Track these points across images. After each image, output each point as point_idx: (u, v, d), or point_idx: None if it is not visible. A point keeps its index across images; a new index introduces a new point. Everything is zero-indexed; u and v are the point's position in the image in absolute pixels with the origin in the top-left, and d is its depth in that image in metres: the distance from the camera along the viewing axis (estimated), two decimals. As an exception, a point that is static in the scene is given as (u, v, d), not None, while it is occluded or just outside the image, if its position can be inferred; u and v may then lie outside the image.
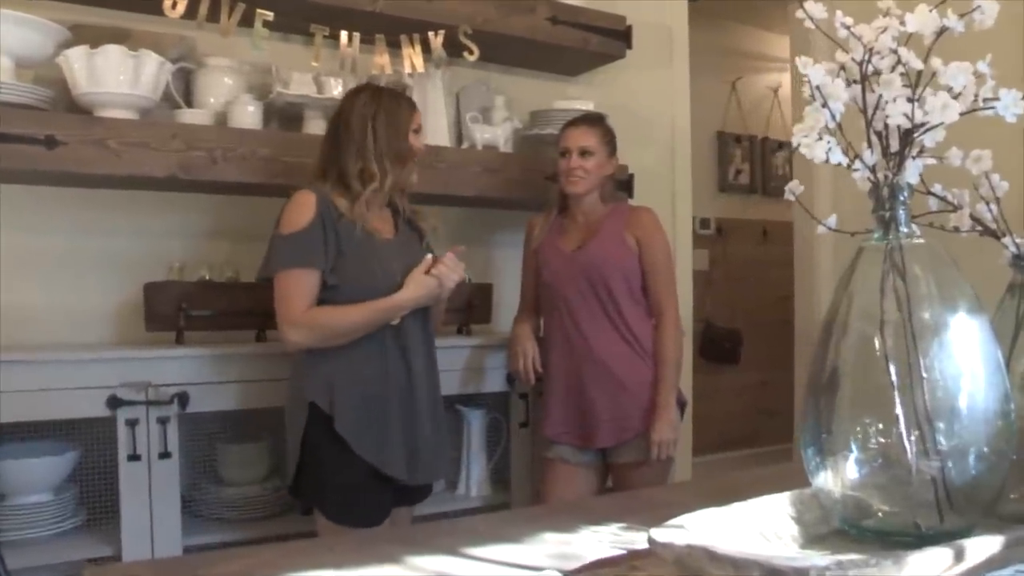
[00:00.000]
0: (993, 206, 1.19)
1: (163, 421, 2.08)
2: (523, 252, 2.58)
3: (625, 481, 2.37)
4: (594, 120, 2.46)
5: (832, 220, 1.19)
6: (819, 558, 0.80)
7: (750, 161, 5.28)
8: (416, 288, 2.01)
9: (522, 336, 2.47)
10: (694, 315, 3.74)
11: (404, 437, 2.02)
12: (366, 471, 1.97)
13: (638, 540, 1.12)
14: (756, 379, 5.09)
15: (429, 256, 2.05)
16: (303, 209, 1.97)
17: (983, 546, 0.87)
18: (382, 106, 2.06)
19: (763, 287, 5.07)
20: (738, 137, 5.22)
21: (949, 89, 1.01)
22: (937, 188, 1.21)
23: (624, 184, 2.90)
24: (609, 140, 2.44)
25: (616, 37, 2.97)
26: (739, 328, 5.01)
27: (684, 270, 3.46)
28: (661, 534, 0.91)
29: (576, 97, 2.94)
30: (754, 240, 5.21)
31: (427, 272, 2.03)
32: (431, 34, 2.58)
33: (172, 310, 2.26)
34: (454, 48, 2.62)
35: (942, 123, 1.02)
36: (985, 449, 1.02)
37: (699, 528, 0.95)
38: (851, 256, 1.12)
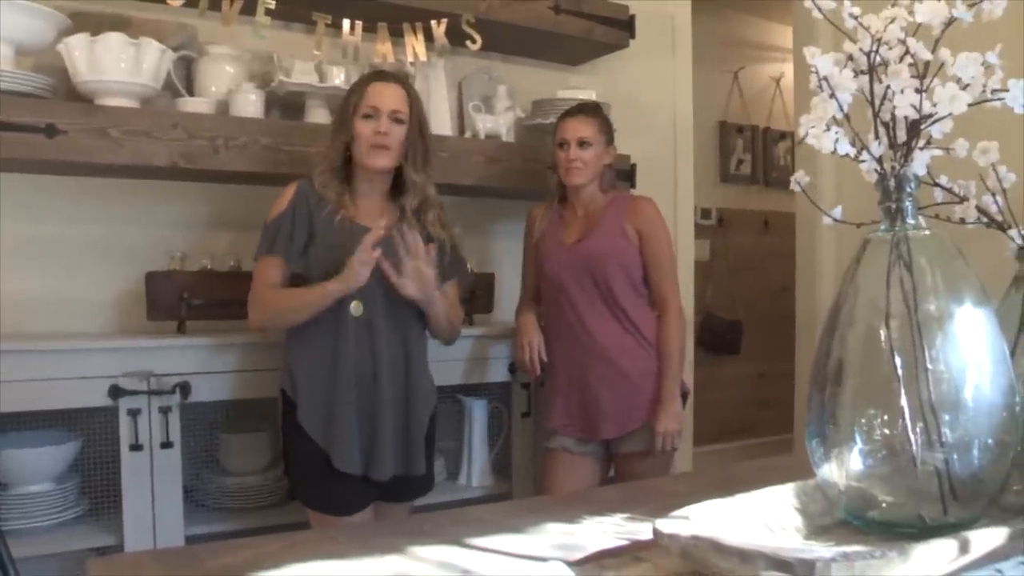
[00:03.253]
0: (999, 198, 1.19)
1: (165, 411, 2.08)
2: (524, 243, 2.57)
3: (628, 471, 2.37)
4: (591, 110, 2.43)
5: (838, 211, 1.18)
6: (824, 550, 0.80)
7: (752, 151, 5.26)
8: (339, 274, 1.90)
9: (527, 326, 2.46)
10: (695, 306, 3.74)
11: (362, 430, 1.98)
12: (327, 459, 1.96)
13: (642, 531, 1.12)
14: (756, 370, 5.08)
15: (381, 230, 1.89)
16: (280, 199, 2.04)
17: (987, 538, 0.87)
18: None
19: (764, 278, 5.06)
20: (740, 127, 5.20)
21: (958, 80, 1.01)
22: (943, 179, 1.20)
23: (626, 174, 2.89)
24: (606, 130, 2.42)
25: (619, 26, 2.96)
26: (740, 319, 5.00)
27: (685, 260, 3.46)
28: (666, 525, 0.91)
29: (579, 86, 2.93)
30: (755, 231, 5.20)
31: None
32: (434, 23, 2.57)
33: (174, 299, 2.26)
34: (456, 37, 2.61)
35: (950, 114, 1.02)
36: (989, 441, 1.02)
37: (704, 519, 0.95)
38: (855, 247, 1.11)
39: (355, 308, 1.98)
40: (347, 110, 2.05)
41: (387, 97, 2.03)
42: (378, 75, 2.10)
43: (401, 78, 2.13)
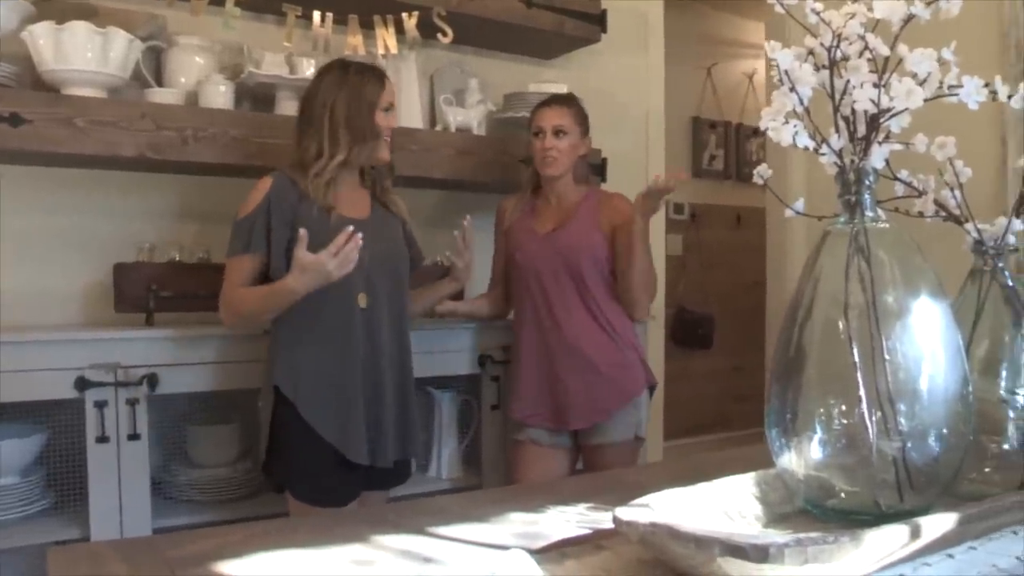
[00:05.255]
0: (957, 192, 1.21)
1: (132, 403, 2.06)
2: (495, 235, 2.58)
3: (597, 462, 2.38)
4: (566, 100, 2.45)
5: (800, 204, 1.20)
6: (779, 536, 0.81)
7: (724, 147, 5.30)
8: (300, 273, 1.86)
9: (466, 300, 2.54)
10: (667, 300, 3.76)
11: (368, 420, 2.02)
12: (331, 453, 1.97)
13: (605, 520, 1.13)
14: (729, 364, 5.13)
15: (350, 228, 1.86)
16: (253, 195, 2.01)
17: (938, 524, 0.88)
18: (347, 83, 2.05)
19: (736, 272, 5.11)
20: (713, 123, 5.24)
21: (914, 75, 1.03)
22: (903, 174, 1.22)
23: (598, 168, 2.90)
24: (582, 120, 2.44)
25: (590, 21, 2.98)
26: (712, 313, 5.04)
27: (657, 255, 3.46)
28: (626, 513, 0.92)
29: (550, 80, 2.94)
30: (728, 225, 5.24)
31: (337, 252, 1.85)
32: (405, 15, 2.56)
33: (142, 291, 2.24)
34: (428, 30, 2.61)
35: (907, 109, 1.04)
36: (944, 430, 1.04)
37: (664, 507, 0.96)
38: (817, 240, 1.13)
39: (362, 300, 2.02)
40: (368, 106, 2.05)
41: (394, 94, 2.14)
42: (383, 72, 2.14)
43: None
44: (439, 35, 2.62)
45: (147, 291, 2.24)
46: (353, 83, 2.06)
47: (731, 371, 5.15)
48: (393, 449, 2.06)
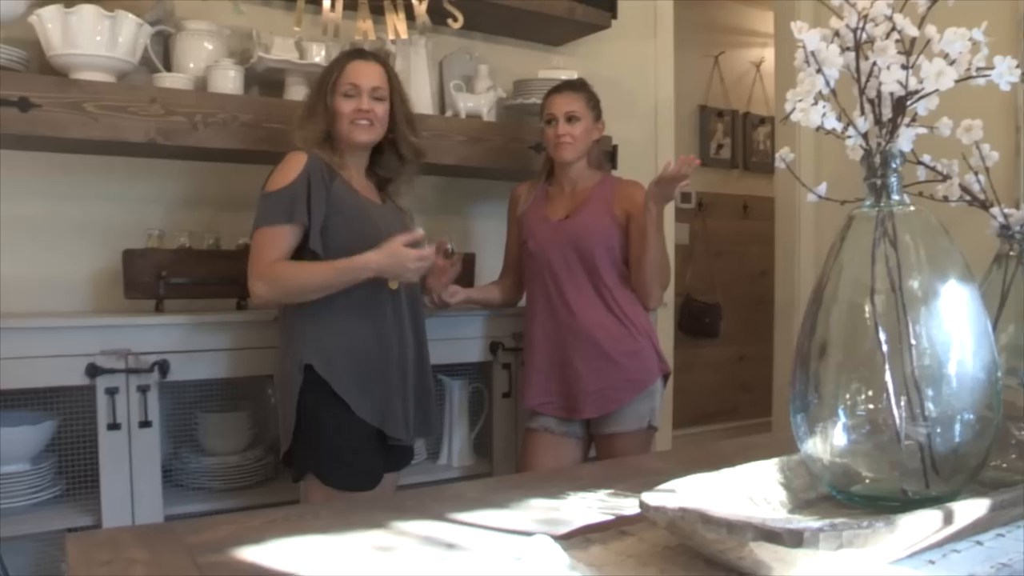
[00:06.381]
0: (982, 176, 1.20)
1: (143, 390, 2.05)
2: (507, 221, 2.57)
3: (610, 452, 2.37)
4: (578, 85, 2.44)
5: (823, 188, 1.19)
6: (812, 521, 0.80)
7: (731, 136, 5.27)
8: (388, 257, 1.92)
9: (478, 287, 2.56)
10: (675, 289, 3.75)
11: (399, 398, 2.03)
12: (364, 434, 1.97)
13: (626, 505, 1.13)
14: (735, 353, 5.11)
15: (421, 231, 1.97)
16: (286, 170, 1.97)
17: (970, 509, 0.88)
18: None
19: (743, 262, 5.09)
20: (720, 112, 5.21)
21: (945, 56, 1.01)
22: (926, 158, 1.21)
23: (608, 156, 2.88)
24: (594, 104, 2.42)
25: (601, 6, 2.95)
26: (719, 302, 5.02)
27: (667, 244, 3.46)
28: (653, 498, 0.91)
29: (560, 67, 2.92)
30: (734, 215, 5.22)
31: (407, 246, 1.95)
32: (415, 0, 2.53)
33: (151, 278, 2.23)
34: (438, 15, 2.58)
35: (936, 90, 1.02)
36: (971, 416, 1.03)
37: (689, 493, 0.95)
38: (835, 229, 1.11)
39: (392, 283, 2.03)
40: (325, 87, 2.06)
41: (367, 75, 2.08)
42: (357, 53, 2.13)
43: (380, 56, 2.16)
44: (449, 20, 2.59)
45: (156, 278, 2.23)
46: (328, 66, 2.11)
47: (737, 360, 5.14)
48: (415, 426, 2.09)
